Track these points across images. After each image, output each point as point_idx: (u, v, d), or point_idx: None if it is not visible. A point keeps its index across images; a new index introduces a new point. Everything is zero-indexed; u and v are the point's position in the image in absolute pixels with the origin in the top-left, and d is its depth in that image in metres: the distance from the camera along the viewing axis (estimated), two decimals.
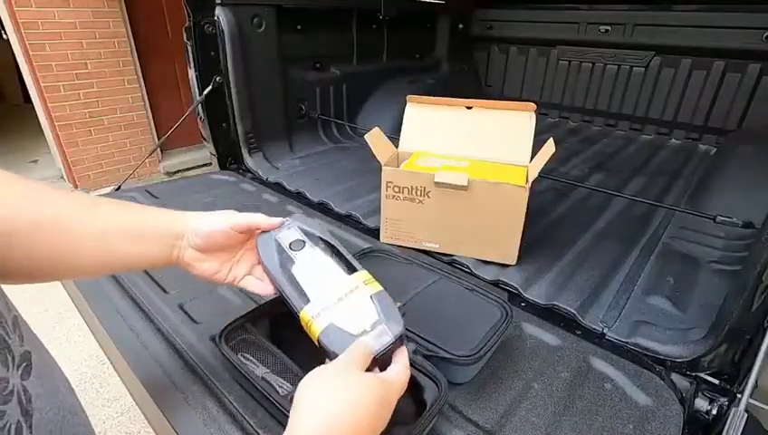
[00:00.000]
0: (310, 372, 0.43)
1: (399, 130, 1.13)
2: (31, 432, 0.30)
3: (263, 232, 0.58)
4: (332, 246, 0.58)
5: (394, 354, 0.50)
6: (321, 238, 0.59)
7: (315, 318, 0.50)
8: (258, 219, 0.56)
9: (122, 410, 1.55)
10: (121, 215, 0.51)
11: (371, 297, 0.52)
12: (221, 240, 0.54)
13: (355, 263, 0.56)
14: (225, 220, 0.54)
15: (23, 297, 2.00)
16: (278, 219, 0.58)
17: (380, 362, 0.49)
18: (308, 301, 0.51)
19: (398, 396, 0.45)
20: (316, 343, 0.50)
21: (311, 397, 0.41)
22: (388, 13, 1.89)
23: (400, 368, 0.48)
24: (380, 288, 0.54)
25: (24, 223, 0.42)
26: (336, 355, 0.46)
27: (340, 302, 0.51)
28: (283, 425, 0.59)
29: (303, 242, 0.57)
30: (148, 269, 0.51)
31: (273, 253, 0.56)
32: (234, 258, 0.58)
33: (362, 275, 0.55)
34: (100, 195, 0.50)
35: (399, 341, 0.50)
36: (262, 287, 0.58)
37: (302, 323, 0.51)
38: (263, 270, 0.57)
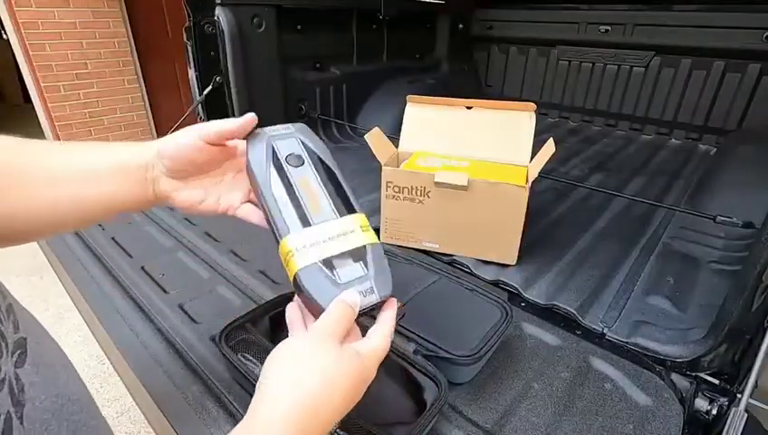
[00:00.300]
0: (282, 342, 0.39)
1: (399, 130, 1.13)
2: (22, 424, 0.29)
3: (254, 131, 0.49)
4: (334, 174, 0.50)
5: (378, 317, 0.44)
6: (322, 161, 0.50)
7: (297, 251, 0.42)
8: (229, 125, 0.46)
9: (122, 410, 1.55)
10: (76, 155, 0.44)
11: (366, 247, 0.45)
12: (192, 156, 0.46)
13: (354, 202, 0.48)
14: (191, 133, 0.46)
15: (23, 297, 2.00)
16: (250, 115, 0.48)
17: (360, 322, 0.44)
18: (293, 229, 0.44)
19: (377, 367, 0.41)
20: (291, 281, 0.43)
21: (281, 373, 0.36)
22: (388, 13, 1.89)
23: (381, 338, 0.42)
24: (376, 240, 0.47)
25: None
26: (312, 300, 0.41)
27: (330, 242, 0.44)
28: None
29: (302, 159, 0.49)
30: (125, 212, 0.47)
31: (264, 158, 0.47)
32: (221, 182, 0.51)
33: (360, 218, 0.47)
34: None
35: (385, 304, 0.45)
36: (262, 218, 0.49)
37: (281, 253, 0.44)
38: (246, 172, 0.48)
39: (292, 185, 0.46)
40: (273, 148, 0.48)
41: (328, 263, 0.42)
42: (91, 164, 0.44)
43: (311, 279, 0.41)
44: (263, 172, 0.46)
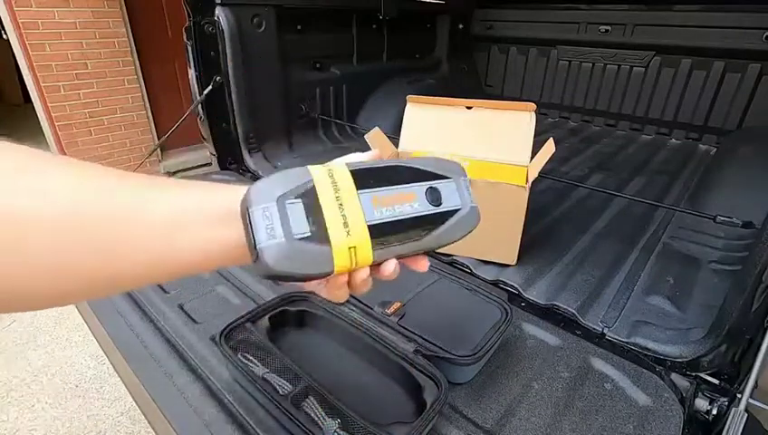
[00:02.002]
0: None
1: (399, 130, 1.13)
2: None
3: None
4: None
5: None
6: None
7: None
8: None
9: (122, 410, 1.55)
10: (184, 196, 0.34)
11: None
12: None
13: None
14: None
15: None
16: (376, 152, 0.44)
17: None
18: None
19: None
20: None
21: None
22: (388, 13, 1.89)
23: None
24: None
25: None
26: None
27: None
28: (284, 425, 0.59)
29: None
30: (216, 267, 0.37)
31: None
32: None
33: None
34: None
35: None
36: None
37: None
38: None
39: (397, 184, 0.39)
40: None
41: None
42: (198, 203, 0.34)
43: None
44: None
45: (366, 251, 0.35)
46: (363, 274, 0.37)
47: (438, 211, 0.39)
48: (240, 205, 0.34)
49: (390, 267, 0.38)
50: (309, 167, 0.36)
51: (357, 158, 0.42)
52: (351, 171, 0.36)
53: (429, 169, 0.40)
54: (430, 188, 0.40)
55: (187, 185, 0.36)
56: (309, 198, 0.34)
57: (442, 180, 0.41)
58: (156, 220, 0.32)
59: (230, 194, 0.36)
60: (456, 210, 0.41)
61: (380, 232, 0.36)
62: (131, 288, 0.35)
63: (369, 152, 0.43)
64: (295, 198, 0.34)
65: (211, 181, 0.37)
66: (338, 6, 1.79)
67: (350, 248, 0.35)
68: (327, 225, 0.34)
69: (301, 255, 0.33)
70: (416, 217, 0.38)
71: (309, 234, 0.33)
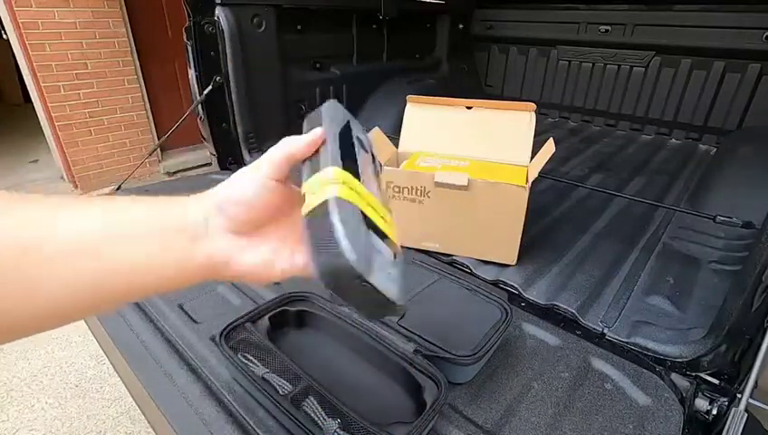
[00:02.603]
0: None
1: (399, 130, 1.13)
2: None
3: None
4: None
5: None
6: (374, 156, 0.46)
7: (341, 184, 0.35)
8: (296, 145, 0.37)
9: (122, 410, 1.55)
10: (98, 213, 0.32)
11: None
12: (265, 197, 0.37)
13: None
14: (259, 172, 0.37)
15: None
16: (319, 130, 0.39)
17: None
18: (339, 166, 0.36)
19: None
20: (310, 208, 0.34)
21: None
22: (388, 13, 1.89)
23: None
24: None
25: None
26: (327, 238, 0.31)
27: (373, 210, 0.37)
28: (284, 425, 0.59)
29: (364, 146, 0.44)
30: (158, 291, 0.36)
31: (337, 125, 0.40)
32: (289, 236, 0.39)
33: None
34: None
35: None
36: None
37: (312, 183, 0.35)
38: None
39: (356, 161, 0.39)
40: (349, 123, 0.43)
41: (368, 222, 0.35)
42: (117, 225, 0.32)
43: (343, 216, 0.32)
44: (332, 131, 0.39)
45: (393, 224, 0.40)
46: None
47: (371, 153, 0.45)
48: (338, 275, 0.31)
49: None
50: (328, 191, 0.33)
51: (283, 146, 0.38)
52: (347, 170, 0.36)
53: (343, 124, 0.42)
54: (357, 139, 0.43)
55: (115, 200, 0.34)
56: (366, 221, 0.35)
57: (351, 127, 0.43)
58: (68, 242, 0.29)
59: (175, 208, 0.35)
60: (371, 144, 0.47)
61: (384, 202, 0.40)
62: (64, 323, 0.31)
63: (303, 137, 0.39)
64: (366, 230, 0.34)
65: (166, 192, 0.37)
66: (338, 6, 1.79)
67: (393, 232, 0.39)
68: (384, 231, 0.37)
69: (402, 270, 0.37)
70: (375, 169, 0.44)
71: (392, 251, 0.37)
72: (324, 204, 0.32)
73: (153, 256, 0.33)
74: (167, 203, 0.35)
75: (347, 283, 0.31)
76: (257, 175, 0.37)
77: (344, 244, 0.30)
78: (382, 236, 0.36)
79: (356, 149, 0.41)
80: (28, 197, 0.30)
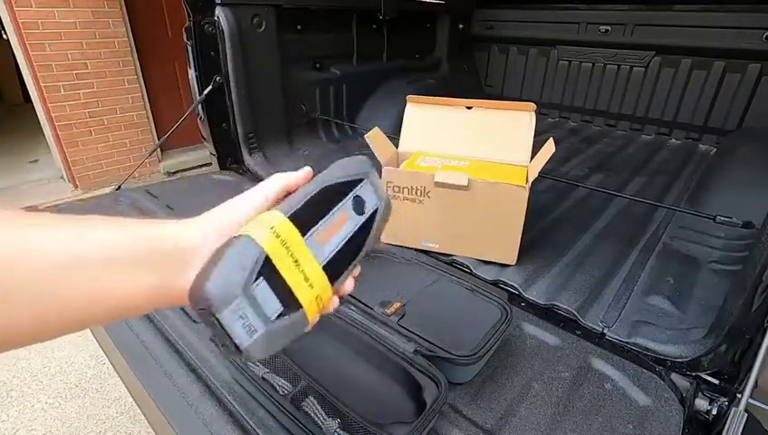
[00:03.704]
0: None
1: (399, 130, 1.13)
2: None
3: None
4: (362, 244, 0.42)
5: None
6: (369, 225, 0.43)
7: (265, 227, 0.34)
8: (286, 182, 0.39)
9: (122, 410, 1.55)
10: (90, 229, 0.30)
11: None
12: None
13: (343, 276, 0.40)
14: (255, 204, 0.37)
15: None
16: (306, 171, 0.40)
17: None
18: (287, 213, 0.36)
19: None
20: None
21: None
22: (388, 13, 1.89)
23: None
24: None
25: None
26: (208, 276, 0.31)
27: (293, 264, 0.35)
28: (284, 425, 0.59)
29: (363, 210, 0.42)
30: (132, 315, 0.34)
31: (334, 178, 0.40)
32: None
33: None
34: (100, 195, 0.34)
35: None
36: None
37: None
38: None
39: (322, 217, 0.38)
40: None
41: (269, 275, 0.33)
42: (105, 244, 0.30)
43: (237, 254, 0.32)
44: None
45: (328, 291, 0.37)
46: (330, 306, 0.39)
47: (365, 218, 0.41)
48: (196, 301, 0.30)
49: (349, 287, 0.41)
50: (251, 230, 0.33)
51: (278, 182, 0.39)
52: (291, 219, 0.35)
53: (345, 180, 0.40)
54: (355, 199, 0.41)
55: (86, 220, 0.32)
56: (268, 270, 0.32)
57: (358, 185, 0.42)
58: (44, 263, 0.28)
59: (145, 230, 0.33)
60: (376, 209, 0.43)
61: (333, 268, 0.37)
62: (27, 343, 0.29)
63: (295, 174, 0.40)
64: (257, 278, 0.32)
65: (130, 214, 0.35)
66: (338, 6, 1.79)
67: (316, 298, 0.35)
68: (294, 290, 0.34)
69: (282, 332, 0.33)
70: (353, 235, 0.40)
71: (282, 309, 0.33)
72: (236, 238, 0.33)
73: (139, 279, 0.31)
74: (152, 225, 0.33)
75: (201, 310, 0.31)
76: (251, 205, 0.37)
77: (213, 274, 0.30)
78: (285, 292, 0.33)
79: (336, 207, 0.39)
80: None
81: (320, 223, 0.37)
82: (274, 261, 0.33)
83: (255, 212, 0.36)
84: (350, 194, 0.41)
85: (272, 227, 0.34)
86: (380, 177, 0.99)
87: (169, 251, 0.32)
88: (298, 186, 0.39)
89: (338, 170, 0.41)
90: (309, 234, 0.36)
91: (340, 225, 0.39)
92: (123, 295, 0.31)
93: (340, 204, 0.39)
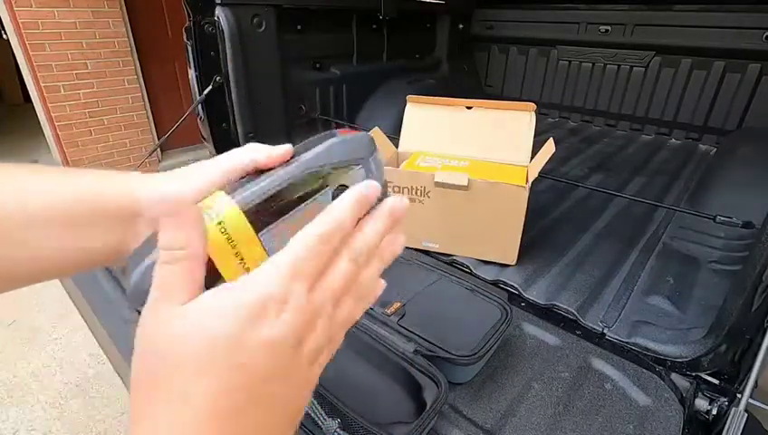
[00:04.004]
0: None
1: (399, 130, 1.13)
2: None
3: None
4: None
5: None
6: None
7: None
8: (259, 154, 0.32)
9: (122, 410, 1.55)
10: (39, 182, 0.30)
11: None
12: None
13: None
14: (212, 172, 0.32)
15: (23, 298, 2.00)
16: (287, 147, 0.32)
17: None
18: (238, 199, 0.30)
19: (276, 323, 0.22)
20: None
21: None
22: (388, 13, 1.89)
23: (280, 257, 0.24)
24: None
25: None
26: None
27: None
28: None
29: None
30: (83, 270, 0.33)
31: (320, 161, 0.33)
32: None
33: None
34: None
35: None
36: None
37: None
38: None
39: (286, 211, 0.32)
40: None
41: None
42: (66, 196, 0.30)
43: None
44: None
45: None
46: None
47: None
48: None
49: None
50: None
51: (246, 154, 0.33)
52: (245, 213, 0.29)
53: (334, 162, 0.33)
54: (338, 188, 0.34)
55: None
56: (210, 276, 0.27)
57: (350, 171, 0.34)
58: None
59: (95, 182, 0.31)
60: None
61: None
62: None
63: (260, 151, 0.32)
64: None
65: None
66: (338, 6, 1.79)
67: None
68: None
69: None
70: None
71: None
72: None
73: (88, 239, 0.30)
74: (107, 179, 0.32)
75: (132, 303, 0.28)
76: (208, 178, 0.32)
77: (134, 278, 0.27)
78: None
79: (309, 199, 0.32)
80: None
81: (285, 216, 0.31)
82: (216, 261, 0.28)
83: (210, 187, 0.31)
84: (335, 183, 0.34)
85: (220, 222, 0.28)
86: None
87: (113, 208, 0.31)
88: (272, 164, 0.32)
89: (335, 150, 0.33)
90: (266, 229, 0.30)
91: (308, 218, 0.31)
92: (69, 255, 0.30)
93: (318, 195, 0.32)
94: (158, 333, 0.22)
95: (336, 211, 0.26)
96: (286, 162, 0.32)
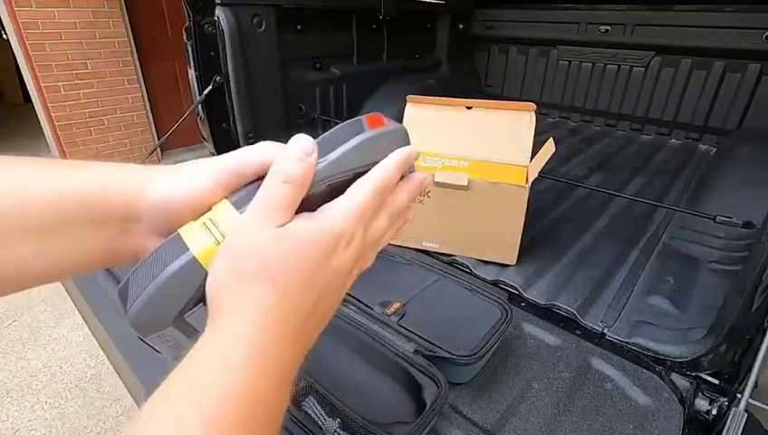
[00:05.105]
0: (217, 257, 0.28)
1: None
2: None
3: None
4: None
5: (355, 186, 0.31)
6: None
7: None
8: (269, 153, 0.32)
9: (122, 410, 1.55)
10: (30, 177, 0.29)
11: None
12: (202, 202, 0.31)
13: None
14: (205, 176, 0.31)
15: (23, 298, 2.00)
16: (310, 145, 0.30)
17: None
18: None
19: (361, 232, 0.30)
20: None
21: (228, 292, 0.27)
22: (388, 13, 1.89)
23: (358, 192, 0.30)
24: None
25: None
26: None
27: None
28: (284, 425, 0.59)
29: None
30: (77, 275, 0.33)
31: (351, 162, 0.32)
32: None
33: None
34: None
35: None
36: None
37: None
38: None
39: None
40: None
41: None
42: (54, 195, 0.29)
43: (182, 268, 0.28)
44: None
45: None
46: None
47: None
48: (126, 313, 0.29)
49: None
50: (196, 242, 0.28)
51: (258, 155, 0.32)
52: None
53: (359, 170, 0.32)
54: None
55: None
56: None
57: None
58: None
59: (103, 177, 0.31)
60: None
61: None
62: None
63: (272, 151, 0.32)
64: (195, 305, 0.29)
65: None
66: (338, 6, 1.79)
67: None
68: None
69: None
70: None
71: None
72: (175, 250, 0.28)
73: (80, 244, 0.30)
74: (104, 176, 0.31)
75: (136, 330, 0.29)
76: (204, 179, 0.31)
77: (140, 303, 0.28)
78: None
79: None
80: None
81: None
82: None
83: (218, 192, 0.31)
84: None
85: (223, 237, 0.28)
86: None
87: (108, 210, 0.30)
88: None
89: (357, 151, 0.31)
90: None
91: None
92: (60, 260, 0.30)
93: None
94: (262, 245, 0.27)
95: (385, 171, 0.32)
96: None
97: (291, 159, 0.28)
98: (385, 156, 0.33)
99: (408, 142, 0.35)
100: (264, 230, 0.27)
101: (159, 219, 0.31)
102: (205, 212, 0.30)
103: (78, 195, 0.29)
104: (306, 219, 0.29)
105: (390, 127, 0.34)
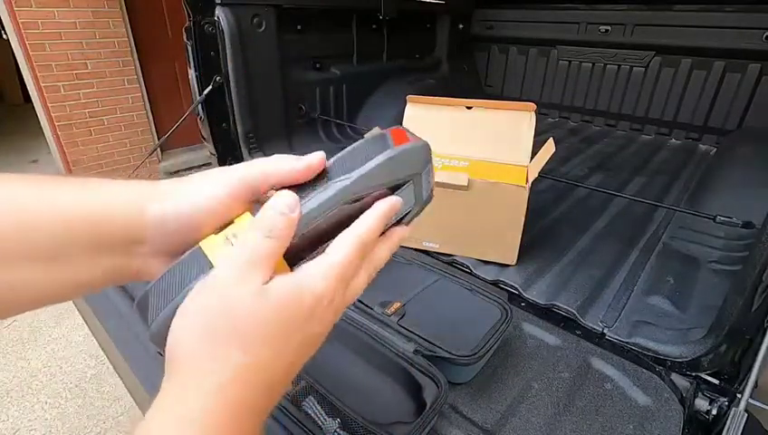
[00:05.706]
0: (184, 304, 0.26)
1: None
2: None
3: None
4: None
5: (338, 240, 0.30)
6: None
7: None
8: (278, 170, 0.31)
9: (122, 410, 1.55)
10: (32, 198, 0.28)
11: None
12: (211, 224, 0.30)
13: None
14: (220, 184, 0.31)
15: None
16: (315, 160, 0.31)
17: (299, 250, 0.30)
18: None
19: (339, 296, 0.30)
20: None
21: (191, 351, 0.25)
22: (388, 13, 1.89)
23: (340, 249, 0.29)
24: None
25: None
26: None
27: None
28: (284, 425, 0.59)
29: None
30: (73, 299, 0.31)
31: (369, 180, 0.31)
32: None
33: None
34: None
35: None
36: None
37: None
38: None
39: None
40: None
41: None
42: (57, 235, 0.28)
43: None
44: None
45: None
46: None
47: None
48: (149, 332, 0.28)
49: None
50: (205, 251, 0.28)
51: (273, 167, 0.31)
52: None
53: (381, 182, 0.32)
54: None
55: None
56: None
57: (400, 189, 0.34)
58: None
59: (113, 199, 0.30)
60: (407, 213, 0.36)
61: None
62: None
63: (287, 164, 0.31)
64: None
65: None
66: (338, 6, 1.79)
67: None
68: None
69: None
70: None
71: None
72: (197, 255, 0.28)
73: (79, 271, 0.29)
74: (107, 195, 0.30)
75: (156, 344, 0.29)
76: (217, 192, 0.30)
77: (160, 320, 0.27)
78: None
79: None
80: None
81: (320, 248, 0.31)
82: None
83: (230, 203, 0.30)
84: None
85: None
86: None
87: (113, 233, 0.29)
88: (301, 179, 0.31)
89: (384, 170, 0.31)
90: (300, 263, 0.30)
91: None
92: (55, 285, 0.29)
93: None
94: (237, 306, 0.26)
95: (368, 227, 0.31)
96: (319, 175, 0.31)
97: (274, 212, 0.27)
98: (407, 174, 0.33)
99: (430, 159, 0.35)
100: (241, 288, 0.26)
101: (169, 234, 0.30)
102: (227, 225, 0.30)
103: (77, 222, 0.28)
104: (286, 278, 0.27)
105: (415, 143, 0.33)
